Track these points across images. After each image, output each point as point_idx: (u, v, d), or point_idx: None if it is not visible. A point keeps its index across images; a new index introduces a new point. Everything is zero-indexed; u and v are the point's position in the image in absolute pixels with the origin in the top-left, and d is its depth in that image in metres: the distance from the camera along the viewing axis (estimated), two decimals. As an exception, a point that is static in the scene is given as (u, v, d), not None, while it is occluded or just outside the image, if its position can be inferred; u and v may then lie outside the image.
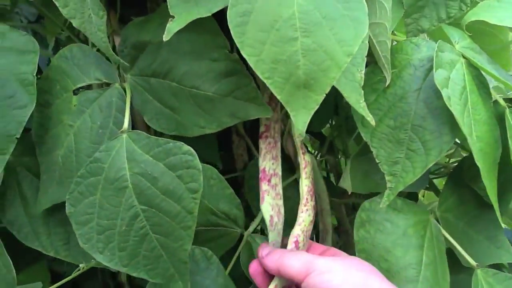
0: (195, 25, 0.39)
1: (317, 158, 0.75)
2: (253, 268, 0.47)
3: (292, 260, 0.42)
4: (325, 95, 0.38)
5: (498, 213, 0.50)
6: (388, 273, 0.48)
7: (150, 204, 0.43)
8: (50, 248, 0.53)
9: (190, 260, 0.48)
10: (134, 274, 0.45)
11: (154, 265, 0.45)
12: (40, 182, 0.50)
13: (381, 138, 0.49)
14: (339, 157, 0.80)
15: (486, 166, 0.47)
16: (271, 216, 0.48)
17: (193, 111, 0.46)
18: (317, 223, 0.64)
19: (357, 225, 0.50)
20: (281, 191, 0.49)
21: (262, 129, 0.50)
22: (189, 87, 0.45)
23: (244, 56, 0.36)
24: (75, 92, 0.48)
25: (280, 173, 0.50)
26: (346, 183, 0.55)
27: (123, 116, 0.46)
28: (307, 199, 0.47)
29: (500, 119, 0.51)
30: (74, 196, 0.44)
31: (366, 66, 0.49)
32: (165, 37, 0.38)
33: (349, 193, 0.55)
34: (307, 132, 0.81)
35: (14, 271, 0.49)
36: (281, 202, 0.49)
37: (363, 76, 0.43)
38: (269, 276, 0.46)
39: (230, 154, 0.67)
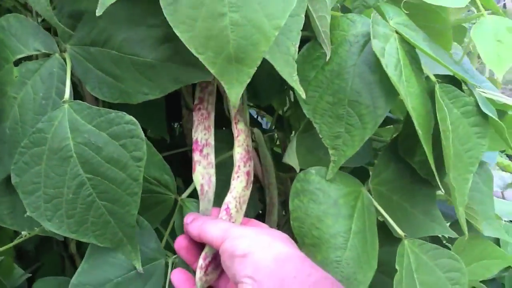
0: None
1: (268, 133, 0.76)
2: (178, 244, 0.48)
3: (212, 227, 0.45)
4: (256, 68, 0.39)
5: (437, 179, 0.52)
6: (319, 240, 0.50)
7: (96, 173, 0.44)
8: (-5, 217, 0.53)
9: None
10: (83, 240, 0.46)
11: (102, 231, 0.46)
12: None
13: (322, 114, 0.50)
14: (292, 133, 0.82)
15: (423, 134, 0.49)
16: (202, 185, 0.49)
17: (135, 78, 0.46)
18: (265, 197, 0.66)
19: (292, 195, 0.52)
20: (213, 160, 0.50)
21: (196, 101, 0.51)
22: (128, 55, 0.46)
23: (177, 33, 0.37)
24: (16, 63, 0.48)
25: (212, 143, 0.51)
26: (292, 160, 0.56)
27: (65, 86, 0.46)
28: (239, 166, 0.49)
29: (431, 95, 0.53)
30: (19, 166, 0.45)
31: (308, 41, 0.51)
32: (98, 12, 0.38)
33: (298, 170, 0.55)
34: (256, 106, 0.81)
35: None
36: (212, 171, 0.50)
37: (297, 49, 0.44)
38: (193, 250, 0.48)
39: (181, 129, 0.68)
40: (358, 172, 0.60)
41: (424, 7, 0.62)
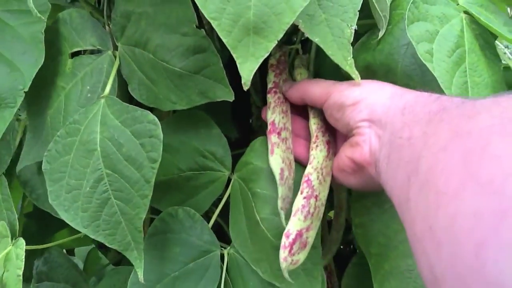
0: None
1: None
2: None
3: (315, 86, 0.44)
4: (276, 42, 0.35)
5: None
6: (386, 247, 0.46)
7: (114, 169, 0.44)
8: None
9: (175, 220, 0.50)
10: (93, 237, 0.46)
11: (112, 231, 0.46)
12: (25, 140, 0.53)
13: None
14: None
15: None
16: (282, 169, 0.44)
17: (166, 85, 0.46)
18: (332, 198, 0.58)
19: (354, 198, 0.48)
20: (291, 147, 0.46)
21: (270, 85, 0.48)
22: (161, 60, 0.45)
23: None
24: (71, 55, 0.50)
25: (290, 128, 0.47)
26: None
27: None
28: (316, 136, 0.44)
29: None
30: (52, 154, 0.47)
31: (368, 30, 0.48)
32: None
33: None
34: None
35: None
36: (292, 157, 0.46)
37: (353, 32, 0.40)
38: None
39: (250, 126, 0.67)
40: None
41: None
